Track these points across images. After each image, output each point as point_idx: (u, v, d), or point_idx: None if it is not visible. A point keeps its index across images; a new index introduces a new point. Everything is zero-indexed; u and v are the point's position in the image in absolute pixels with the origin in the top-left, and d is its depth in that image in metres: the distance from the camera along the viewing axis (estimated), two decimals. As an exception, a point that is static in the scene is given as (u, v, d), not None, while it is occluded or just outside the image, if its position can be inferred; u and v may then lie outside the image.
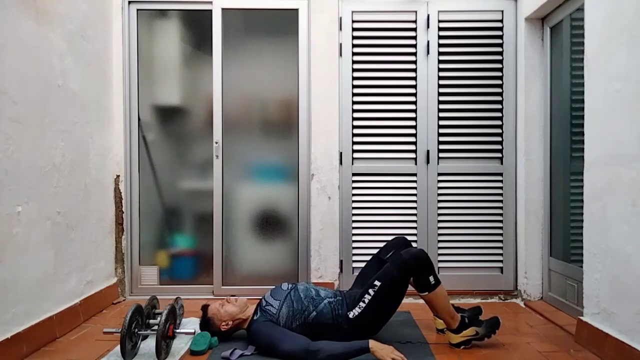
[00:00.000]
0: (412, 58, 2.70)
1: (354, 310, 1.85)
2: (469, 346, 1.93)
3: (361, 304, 1.85)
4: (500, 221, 2.71)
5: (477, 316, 2.03)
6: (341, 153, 2.72)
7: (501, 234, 2.71)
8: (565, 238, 2.45)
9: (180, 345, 1.94)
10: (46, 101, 2.04)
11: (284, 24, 2.74)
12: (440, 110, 2.71)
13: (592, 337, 1.90)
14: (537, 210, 2.61)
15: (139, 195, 2.76)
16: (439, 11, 2.69)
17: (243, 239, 2.76)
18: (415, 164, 2.72)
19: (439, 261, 2.70)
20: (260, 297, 2.01)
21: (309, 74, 2.71)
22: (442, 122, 2.71)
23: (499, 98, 2.70)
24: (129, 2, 2.72)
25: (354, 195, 2.73)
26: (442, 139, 2.71)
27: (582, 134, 1.99)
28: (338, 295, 1.95)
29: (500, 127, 2.71)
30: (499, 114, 2.71)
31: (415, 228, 2.71)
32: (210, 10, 2.70)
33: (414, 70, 2.70)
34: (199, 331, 1.96)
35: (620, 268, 1.75)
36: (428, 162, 2.71)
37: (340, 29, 2.71)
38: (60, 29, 2.14)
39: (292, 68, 2.74)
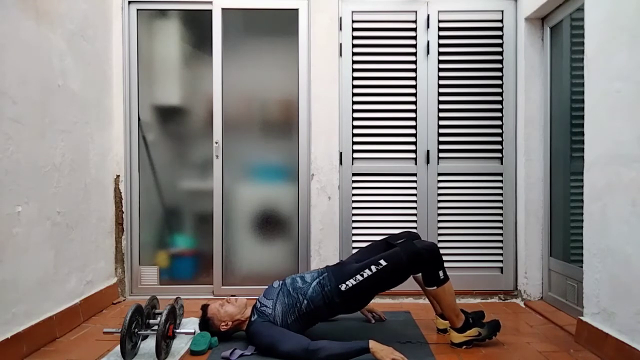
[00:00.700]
0: (412, 58, 2.70)
1: (347, 282, 1.83)
2: (470, 347, 1.93)
3: (358, 277, 1.82)
4: (500, 221, 2.71)
5: (481, 319, 2.03)
6: (341, 153, 2.72)
7: (501, 234, 2.71)
8: (565, 238, 2.45)
9: (180, 345, 1.94)
10: (46, 101, 2.04)
11: (284, 24, 2.74)
12: (440, 110, 2.71)
13: (592, 337, 1.90)
14: (537, 210, 2.61)
15: (139, 195, 2.76)
16: (439, 11, 2.69)
17: (243, 239, 2.76)
18: (415, 164, 2.72)
19: (439, 261, 2.70)
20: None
21: (309, 74, 2.71)
22: (442, 122, 2.71)
23: (499, 98, 2.70)
24: (129, 2, 2.72)
25: (354, 195, 2.73)
26: (442, 139, 2.71)
27: (582, 134, 1.99)
28: (324, 272, 1.94)
29: (500, 127, 2.71)
30: (499, 114, 2.71)
31: (415, 228, 2.70)
32: (210, 10, 2.70)
33: (414, 70, 2.70)
34: (199, 331, 1.96)
35: (620, 268, 1.75)
36: (428, 162, 2.71)
37: (340, 29, 2.71)
38: (60, 29, 2.14)
39: (292, 68, 2.74)
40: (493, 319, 1.99)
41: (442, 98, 2.70)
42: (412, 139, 2.72)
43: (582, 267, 2.01)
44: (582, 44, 1.99)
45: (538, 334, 2.13)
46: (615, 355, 1.74)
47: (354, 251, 2.71)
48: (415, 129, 2.71)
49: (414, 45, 2.70)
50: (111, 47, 2.67)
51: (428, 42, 2.69)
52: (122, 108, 2.70)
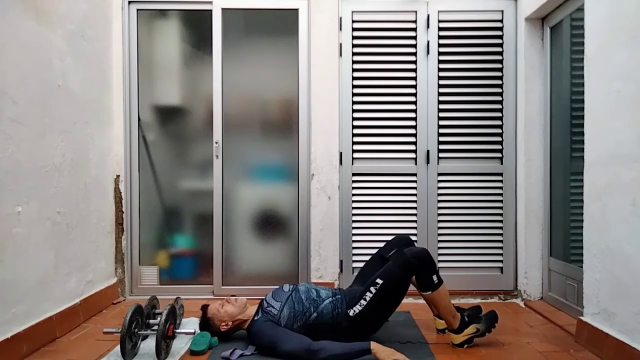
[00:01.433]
0: (412, 58, 2.70)
1: (354, 308, 1.85)
2: (471, 344, 1.93)
3: (362, 301, 1.84)
4: (500, 221, 2.71)
5: (477, 314, 2.03)
6: (341, 153, 2.72)
7: (501, 234, 2.71)
8: (565, 238, 2.45)
9: (180, 345, 1.94)
10: (46, 101, 2.04)
11: (284, 24, 2.74)
12: (440, 110, 2.71)
13: (592, 337, 1.90)
14: (537, 210, 2.61)
15: (139, 195, 2.76)
16: (439, 11, 2.69)
17: (243, 239, 2.76)
18: (415, 164, 2.72)
19: (439, 261, 2.70)
20: (261, 298, 2.01)
21: (309, 74, 2.71)
22: (442, 122, 2.71)
23: (499, 98, 2.70)
24: (129, 2, 2.72)
25: (354, 195, 2.73)
26: (442, 139, 2.71)
27: (582, 134, 1.99)
28: (338, 294, 1.96)
29: (500, 127, 2.71)
30: (499, 114, 2.71)
31: (415, 228, 2.71)
32: (210, 10, 2.70)
33: (414, 70, 2.70)
34: (199, 331, 1.96)
35: (620, 268, 1.75)
36: (428, 162, 2.71)
37: (340, 29, 2.71)
38: (60, 29, 2.14)
39: (292, 68, 2.74)
40: (489, 310, 1.98)
41: (442, 98, 2.70)
42: (412, 139, 2.72)
43: (582, 267, 2.01)
44: (582, 44, 1.99)
45: (538, 334, 2.13)
46: (615, 355, 1.74)
47: (354, 251, 2.72)
48: (415, 129, 2.71)
49: (414, 45, 2.70)
50: (111, 47, 2.67)
51: (428, 42, 2.69)
52: (122, 108, 2.69)
